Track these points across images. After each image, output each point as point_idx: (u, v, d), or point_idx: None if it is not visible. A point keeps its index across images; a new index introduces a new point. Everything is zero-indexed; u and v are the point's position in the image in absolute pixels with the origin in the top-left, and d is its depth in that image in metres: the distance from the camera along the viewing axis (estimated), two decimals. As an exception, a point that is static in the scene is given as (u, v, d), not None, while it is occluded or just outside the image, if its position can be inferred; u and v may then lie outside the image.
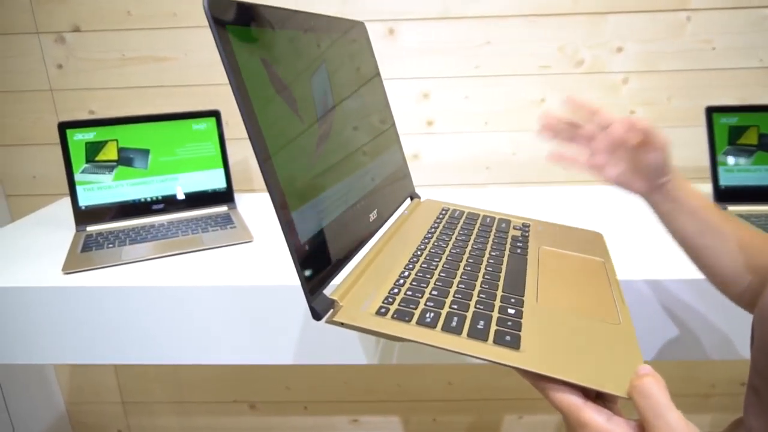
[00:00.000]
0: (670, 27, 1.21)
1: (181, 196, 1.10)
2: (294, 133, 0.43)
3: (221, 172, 1.14)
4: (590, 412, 0.36)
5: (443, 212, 0.65)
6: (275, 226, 1.05)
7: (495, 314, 0.44)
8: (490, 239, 0.59)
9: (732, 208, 1.04)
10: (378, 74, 0.68)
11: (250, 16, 0.42)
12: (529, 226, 0.64)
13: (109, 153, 1.06)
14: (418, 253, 0.54)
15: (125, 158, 1.06)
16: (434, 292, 0.47)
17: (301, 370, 1.52)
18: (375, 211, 0.56)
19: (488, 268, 0.52)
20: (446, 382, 1.53)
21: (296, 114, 0.44)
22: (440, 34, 1.23)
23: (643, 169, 0.56)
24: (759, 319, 0.46)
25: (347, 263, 0.49)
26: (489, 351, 0.39)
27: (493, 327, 0.42)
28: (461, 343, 0.40)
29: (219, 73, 1.27)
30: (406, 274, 0.50)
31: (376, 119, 0.62)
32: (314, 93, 0.48)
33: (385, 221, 0.59)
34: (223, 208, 1.13)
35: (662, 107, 1.26)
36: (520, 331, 0.42)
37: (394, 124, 0.69)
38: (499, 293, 0.48)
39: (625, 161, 0.57)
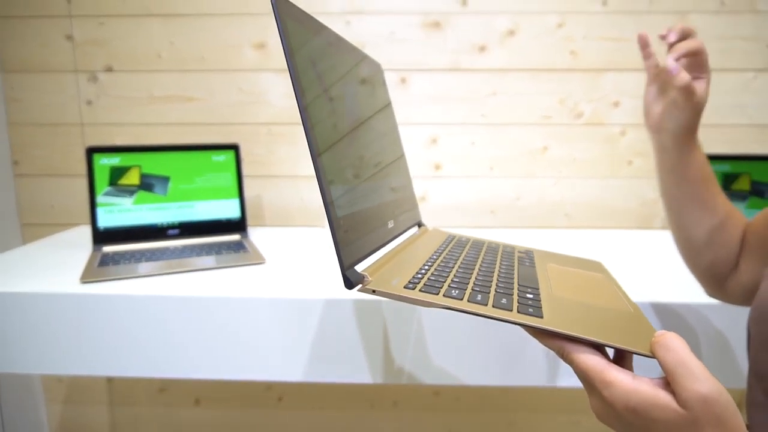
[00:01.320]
0: (663, 84, 1.29)
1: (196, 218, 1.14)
2: (333, 126, 0.48)
3: (236, 202, 1.18)
4: (615, 372, 0.36)
5: (450, 237, 0.68)
6: (287, 252, 1.08)
7: (515, 296, 0.46)
8: (499, 255, 0.61)
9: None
10: (390, 104, 0.72)
11: (301, 18, 0.47)
12: (533, 251, 0.66)
13: (132, 178, 1.11)
14: (435, 255, 0.57)
15: (146, 184, 1.11)
16: (456, 279, 0.49)
17: (300, 418, 1.49)
18: (392, 221, 0.60)
19: (501, 270, 0.54)
20: (447, 430, 1.49)
21: (335, 110, 0.49)
22: (449, 84, 1.32)
23: (691, 106, 0.61)
24: (757, 318, 0.48)
25: (373, 252, 0.51)
26: (516, 316, 0.41)
27: (516, 303, 0.44)
28: (488, 310, 0.41)
29: (240, 113, 1.35)
30: (429, 264, 0.53)
31: (391, 143, 0.67)
32: (345, 101, 0.53)
33: (401, 233, 0.62)
34: (235, 237, 1.17)
35: (659, 159, 1.33)
36: (540, 307, 0.43)
37: (404, 155, 0.73)
38: (516, 284, 0.50)
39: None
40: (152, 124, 1.35)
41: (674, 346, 0.35)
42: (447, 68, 1.31)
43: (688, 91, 0.59)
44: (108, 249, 1.07)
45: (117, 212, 1.09)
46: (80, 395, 1.52)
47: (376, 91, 0.64)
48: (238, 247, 1.08)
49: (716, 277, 0.64)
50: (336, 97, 0.50)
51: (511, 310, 0.42)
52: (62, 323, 0.85)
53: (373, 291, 0.44)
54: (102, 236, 1.08)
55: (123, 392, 1.51)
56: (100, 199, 1.08)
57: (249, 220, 1.22)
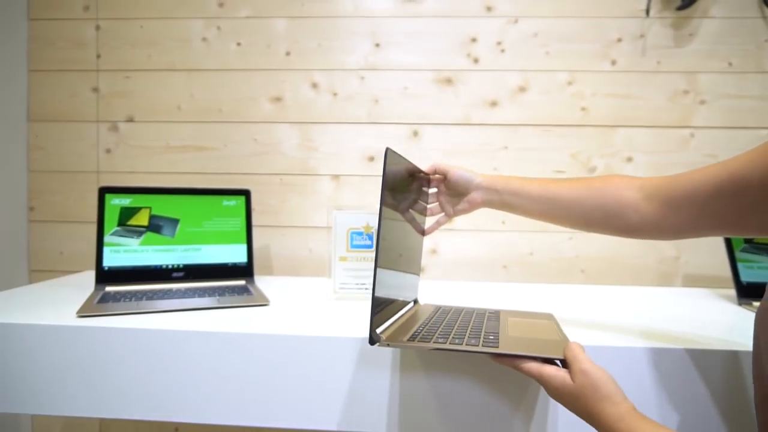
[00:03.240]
0: (675, 141, 1.29)
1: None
2: (390, 227, 0.70)
3: (244, 247, 1.17)
4: (546, 368, 0.60)
5: (437, 308, 0.89)
6: (292, 298, 1.05)
7: (481, 338, 0.68)
8: (473, 316, 0.82)
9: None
10: (426, 205, 0.91)
11: (398, 168, 0.72)
12: (500, 311, 0.87)
13: (141, 219, 1.10)
14: (426, 320, 0.78)
15: (155, 225, 1.11)
16: (441, 332, 0.70)
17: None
18: (399, 301, 0.81)
19: (474, 325, 0.75)
20: None
21: (395, 225, 0.72)
22: (461, 137, 1.33)
23: (455, 195, 0.85)
24: (762, 315, 0.54)
25: (387, 320, 0.74)
26: (480, 348, 0.63)
27: (481, 341, 0.66)
28: (463, 347, 0.63)
29: (252, 163, 1.36)
30: (422, 326, 0.73)
31: (418, 238, 0.89)
32: (402, 215, 0.76)
33: (404, 308, 0.85)
34: (241, 282, 1.14)
35: (676, 215, 1.30)
36: (498, 341, 0.66)
37: (421, 252, 0.93)
38: (483, 331, 0.71)
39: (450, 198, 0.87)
40: (166, 173, 1.37)
41: (573, 347, 0.60)
42: (459, 122, 1.33)
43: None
44: (110, 288, 1.04)
45: (123, 252, 1.08)
46: (69, 455, 1.44)
47: (420, 198, 0.86)
48: (243, 290, 1.06)
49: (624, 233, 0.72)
50: (399, 213, 0.74)
51: (478, 345, 0.64)
52: (55, 358, 0.81)
53: (388, 344, 0.65)
54: (106, 276, 1.06)
55: (114, 453, 1.43)
56: (107, 239, 1.07)
57: (256, 270, 1.20)
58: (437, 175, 0.87)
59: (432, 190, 0.89)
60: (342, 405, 0.79)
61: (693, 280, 1.31)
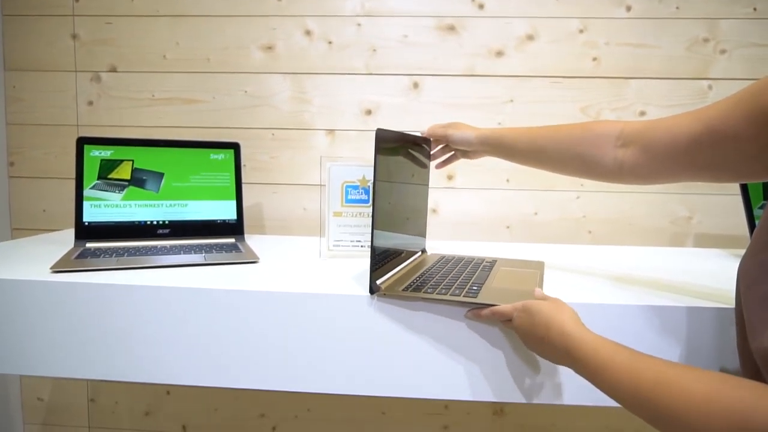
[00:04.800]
0: (692, 93, 1.22)
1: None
2: (386, 195, 0.75)
3: (233, 204, 1.10)
4: (511, 307, 0.65)
5: (440, 257, 0.94)
6: (284, 256, 0.99)
7: (466, 288, 0.72)
8: (469, 266, 0.87)
9: None
10: (428, 167, 0.96)
11: (390, 142, 0.77)
12: (497, 260, 0.93)
13: (123, 172, 1.04)
14: (425, 270, 0.83)
15: (138, 179, 1.04)
16: (433, 283, 0.75)
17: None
18: (404, 252, 0.88)
19: (464, 276, 0.80)
20: (458, 473, 1.34)
21: (389, 188, 0.76)
22: (464, 90, 1.25)
23: (453, 146, 0.91)
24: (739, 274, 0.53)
25: (390, 271, 0.80)
26: (461, 298, 0.69)
27: (465, 292, 0.71)
28: (447, 297, 0.69)
29: (243, 117, 1.29)
30: (419, 276, 0.78)
31: (421, 198, 0.94)
32: (399, 181, 0.80)
33: (409, 258, 0.91)
34: (230, 240, 1.08)
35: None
36: (478, 292, 0.71)
37: (426, 203, 0.98)
38: (470, 283, 0.76)
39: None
40: (152, 127, 1.30)
41: (538, 293, 0.69)
42: (462, 73, 1.25)
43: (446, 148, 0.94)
44: (91, 245, 0.98)
45: (104, 207, 1.01)
46: (60, 417, 1.40)
47: (420, 161, 0.90)
48: (231, 247, 1.00)
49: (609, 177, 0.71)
50: (395, 180, 0.78)
51: (459, 296, 0.69)
52: (32, 317, 0.76)
53: (384, 294, 0.72)
54: (86, 231, 1.00)
55: (105, 415, 1.40)
56: (87, 192, 1.01)
57: (247, 229, 1.14)
58: (437, 140, 0.92)
59: (434, 150, 0.96)
60: (334, 365, 0.74)
61: (706, 241, 1.25)
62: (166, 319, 0.75)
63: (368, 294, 0.72)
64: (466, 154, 0.91)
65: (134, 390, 1.39)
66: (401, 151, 0.81)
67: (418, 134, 0.90)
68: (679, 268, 0.95)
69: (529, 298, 0.66)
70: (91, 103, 1.30)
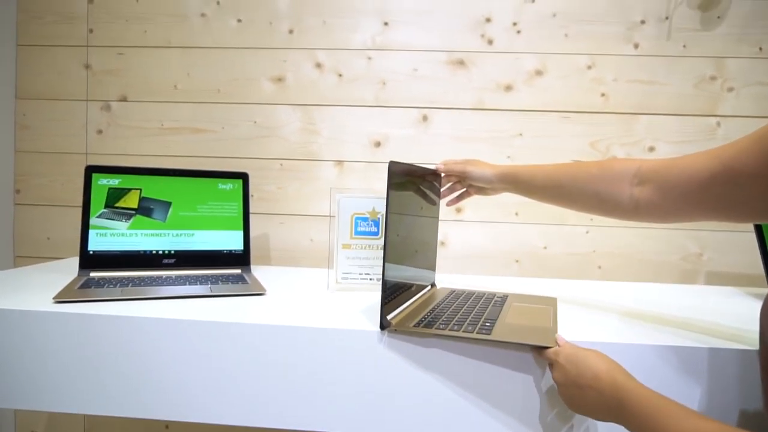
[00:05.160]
0: (701, 130, 1.22)
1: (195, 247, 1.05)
2: (397, 228, 0.74)
3: (240, 234, 1.09)
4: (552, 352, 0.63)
5: (450, 292, 0.92)
6: (291, 288, 0.97)
7: (479, 324, 0.70)
8: (481, 301, 0.85)
9: None
10: (438, 201, 0.96)
11: (403, 175, 0.76)
12: (507, 295, 0.90)
13: (130, 201, 1.03)
14: (436, 305, 0.81)
15: (145, 208, 1.03)
16: (445, 318, 0.73)
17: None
18: (414, 286, 0.86)
19: (477, 311, 0.78)
20: None
21: (401, 220, 0.76)
22: (473, 123, 1.26)
23: (472, 184, 0.90)
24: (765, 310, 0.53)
25: (399, 305, 0.78)
26: (474, 335, 0.66)
27: (477, 328, 0.68)
28: (460, 334, 0.67)
29: (251, 147, 1.29)
30: (430, 312, 0.77)
31: (431, 231, 0.93)
32: (410, 213, 0.80)
33: (419, 292, 0.89)
34: (236, 270, 1.06)
35: (700, 209, 1.22)
36: (492, 328, 0.69)
37: (436, 236, 0.97)
38: (483, 318, 0.73)
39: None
40: (160, 156, 1.30)
41: (561, 340, 0.64)
42: (471, 107, 1.26)
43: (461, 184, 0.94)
44: (95, 274, 0.97)
45: (110, 236, 1.00)
46: (52, 453, 1.36)
47: (431, 195, 0.90)
48: (238, 279, 0.98)
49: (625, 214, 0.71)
50: (407, 213, 0.78)
51: (473, 333, 0.66)
52: (32, 348, 0.74)
53: (395, 330, 0.70)
54: (91, 260, 0.98)
55: (99, 451, 1.35)
56: (93, 221, 1.00)
57: (253, 260, 1.12)
58: (451, 176, 0.93)
59: (446, 186, 0.96)
60: (343, 403, 0.71)
61: (717, 278, 1.23)
62: (170, 352, 0.73)
63: (378, 330, 0.70)
64: (482, 190, 0.91)
65: (131, 424, 1.35)
66: (413, 184, 0.81)
67: (432, 167, 0.90)
68: (693, 305, 0.93)
69: (546, 336, 0.65)
70: (100, 131, 1.31)
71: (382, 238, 0.96)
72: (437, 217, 0.95)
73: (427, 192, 0.88)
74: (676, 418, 0.47)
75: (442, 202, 0.97)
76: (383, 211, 0.96)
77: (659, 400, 0.50)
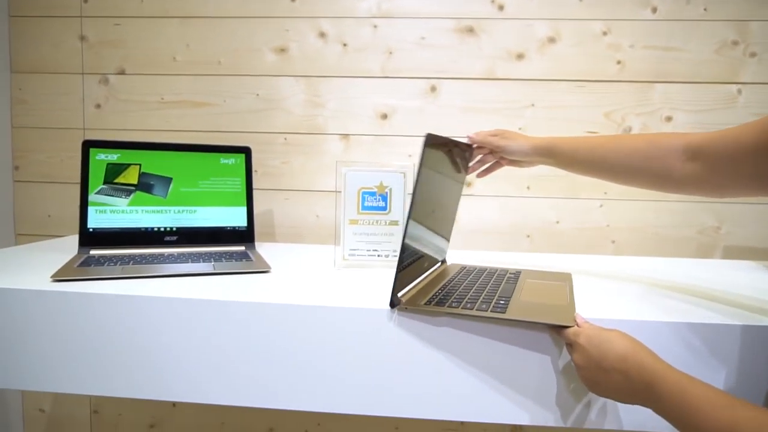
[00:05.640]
0: (720, 98, 1.17)
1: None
2: (424, 201, 0.70)
3: (243, 210, 1.06)
4: (572, 331, 0.60)
5: (462, 268, 0.90)
6: (296, 265, 0.95)
7: (493, 302, 0.67)
8: (493, 278, 0.82)
9: None
10: (465, 176, 0.91)
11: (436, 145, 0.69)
12: (521, 271, 0.88)
13: (130, 177, 1.00)
14: (447, 282, 0.79)
15: (145, 184, 1.00)
16: (457, 296, 0.70)
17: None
18: (427, 262, 0.82)
19: (490, 288, 0.75)
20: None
21: (430, 197, 0.72)
22: (483, 93, 1.21)
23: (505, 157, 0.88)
24: None
25: (411, 282, 0.75)
26: (488, 314, 0.63)
27: (492, 306, 0.65)
28: (474, 312, 0.64)
29: (254, 121, 1.25)
30: (441, 288, 0.74)
31: (452, 208, 0.90)
32: (437, 188, 0.75)
33: (430, 269, 0.86)
34: (240, 248, 1.04)
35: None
36: (506, 306, 0.65)
37: (455, 212, 0.94)
38: (496, 296, 0.71)
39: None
40: (160, 131, 1.26)
41: (581, 320, 0.61)
42: (481, 77, 1.21)
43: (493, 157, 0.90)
44: (95, 252, 0.94)
45: (110, 213, 0.98)
46: (62, 429, 1.36)
47: (459, 170, 0.86)
48: (242, 256, 0.95)
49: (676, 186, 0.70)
50: (434, 188, 0.73)
51: (487, 311, 0.64)
52: (31, 328, 0.72)
53: (406, 308, 0.67)
54: (90, 238, 0.96)
55: (108, 428, 1.35)
56: (92, 197, 0.97)
57: (257, 236, 1.10)
58: (483, 148, 0.89)
59: (477, 158, 0.92)
60: (351, 384, 0.69)
61: (735, 252, 1.19)
62: (172, 332, 0.70)
63: (388, 308, 0.68)
64: (515, 162, 0.88)
65: (139, 402, 1.35)
66: (446, 154, 0.77)
67: (464, 139, 0.86)
68: (713, 280, 0.90)
69: (564, 314, 0.63)
70: (98, 105, 1.27)
71: (390, 213, 0.93)
72: (460, 192, 0.91)
73: (458, 163, 0.84)
74: (711, 404, 0.44)
75: (473, 174, 0.94)
76: (391, 185, 0.93)
77: (690, 382, 0.48)
